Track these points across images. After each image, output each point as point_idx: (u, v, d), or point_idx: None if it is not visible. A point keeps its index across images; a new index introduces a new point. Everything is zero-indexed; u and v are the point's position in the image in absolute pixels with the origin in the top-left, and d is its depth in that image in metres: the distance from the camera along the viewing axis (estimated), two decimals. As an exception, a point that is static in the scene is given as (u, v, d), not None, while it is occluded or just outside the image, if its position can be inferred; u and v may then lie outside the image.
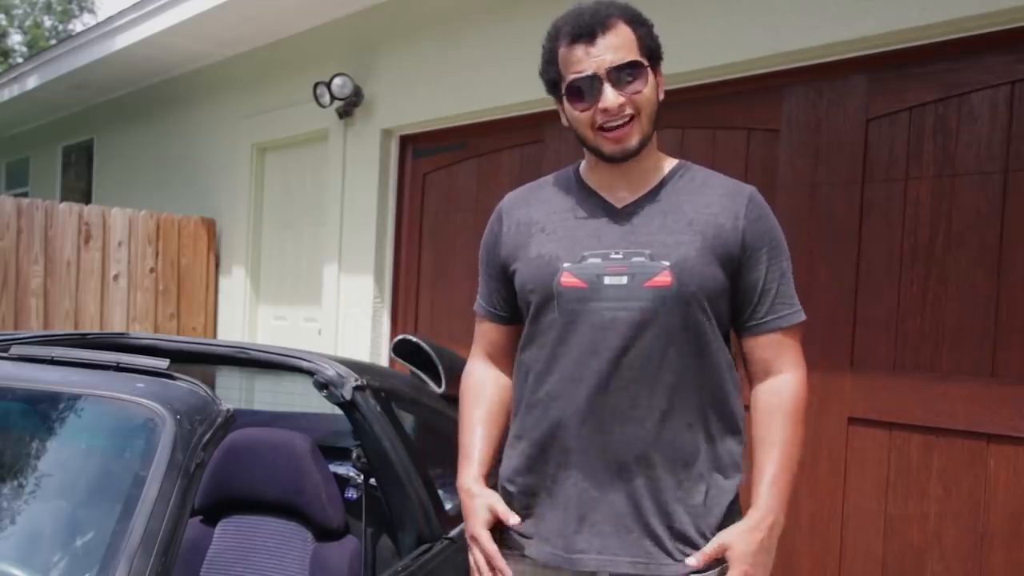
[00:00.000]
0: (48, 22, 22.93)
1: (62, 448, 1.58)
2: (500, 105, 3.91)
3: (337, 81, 4.53)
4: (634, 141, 1.42)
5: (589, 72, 1.40)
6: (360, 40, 4.69)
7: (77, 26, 22.13)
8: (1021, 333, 2.47)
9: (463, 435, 1.58)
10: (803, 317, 1.48)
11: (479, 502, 1.49)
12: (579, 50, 1.41)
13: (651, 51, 1.44)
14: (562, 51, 1.45)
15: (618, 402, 1.40)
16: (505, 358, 1.62)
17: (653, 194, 1.47)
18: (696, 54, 3.12)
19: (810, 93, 2.94)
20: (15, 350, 1.73)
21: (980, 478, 2.53)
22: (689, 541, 1.40)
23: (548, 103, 3.86)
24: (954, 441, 2.58)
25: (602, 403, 1.41)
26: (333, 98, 4.57)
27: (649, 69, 1.43)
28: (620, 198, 1.48)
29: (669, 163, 1.52)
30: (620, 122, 1.41)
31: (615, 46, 1.40)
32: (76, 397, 1.57)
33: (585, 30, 1.41)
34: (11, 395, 1.62)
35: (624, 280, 1.40)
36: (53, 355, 1.68)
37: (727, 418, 1.45)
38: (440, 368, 2.27)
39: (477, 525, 1.48)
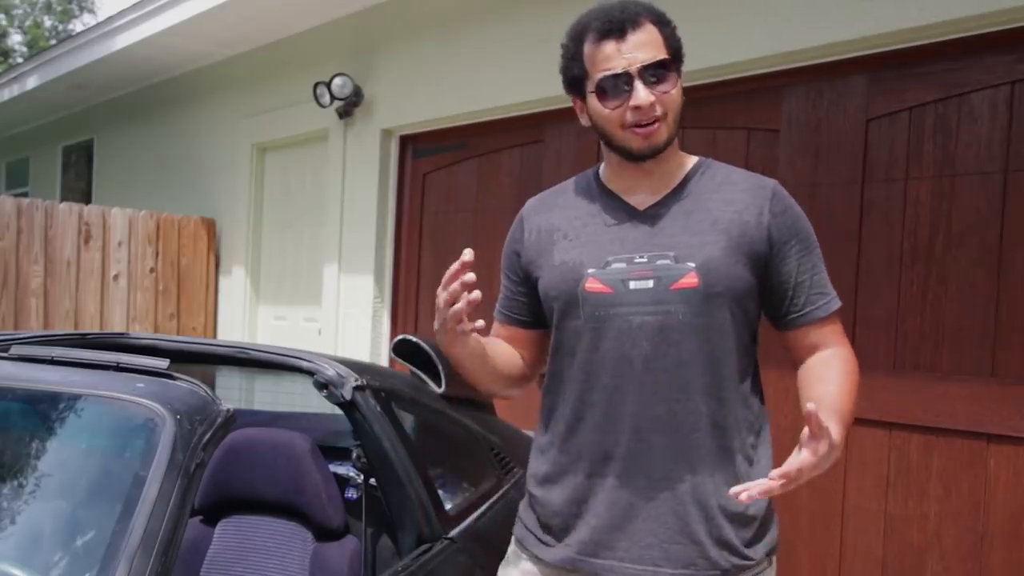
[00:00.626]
0: (48, 22, 22.93)
1: (62, 448, 1.58)
2: (500, 105, 3.91)
3: (337, 81, 4.53)
4: (662, 138, 1.41)
5: (620, 69, 1.38)
6: (360, 40, 4.69)
7: (77, 26, 22.14)
8: (1021, 333, 2.47)
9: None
10: (839, 304, 1.47)
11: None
12: (609, 47, 1.39)
13: (675, 52, 1.43)
14: (588, 47, 1.42)
15: (655, 408, 1.38)
16: (514, 346, 1.62)
17: (675, 195, 1.46)
18: (696, 54, 3.10)
19: (810, 93, 2.94)
20: (15, 350, 1.73)
21: (980, 478, 2.53)
22: (733, 549, 1.39)
23: (548, 103, 3.89)
24: (954, 441, 2.58)
25: (638, 410, 1.39)
26: (333, 98, 4.57)
27: (676, 70, 1.42)
28: (642, 200, 1.47)
29: (690, 162, 1.51)
30: (650, 121, 1.40)
31: (645, 44, 1.38)
32: (76, 397, 1.57)
33: (616, 26, 1.39)
34: (11, 395, 1.62)
35: (650, 284, 1.39)
36: (53, 355, 1.68)
37: (755, 420, 1.44)
38: (440, 368, 2.27)
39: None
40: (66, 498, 1.49)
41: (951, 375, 2.59)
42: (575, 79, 1.46)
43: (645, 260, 1.40)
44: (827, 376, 1.40)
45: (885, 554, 2.72)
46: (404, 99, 4.42)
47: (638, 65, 1.38)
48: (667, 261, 1.39)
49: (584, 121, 1.49)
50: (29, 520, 1.48)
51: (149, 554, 1.29)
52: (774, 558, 1.46)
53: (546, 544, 1.49)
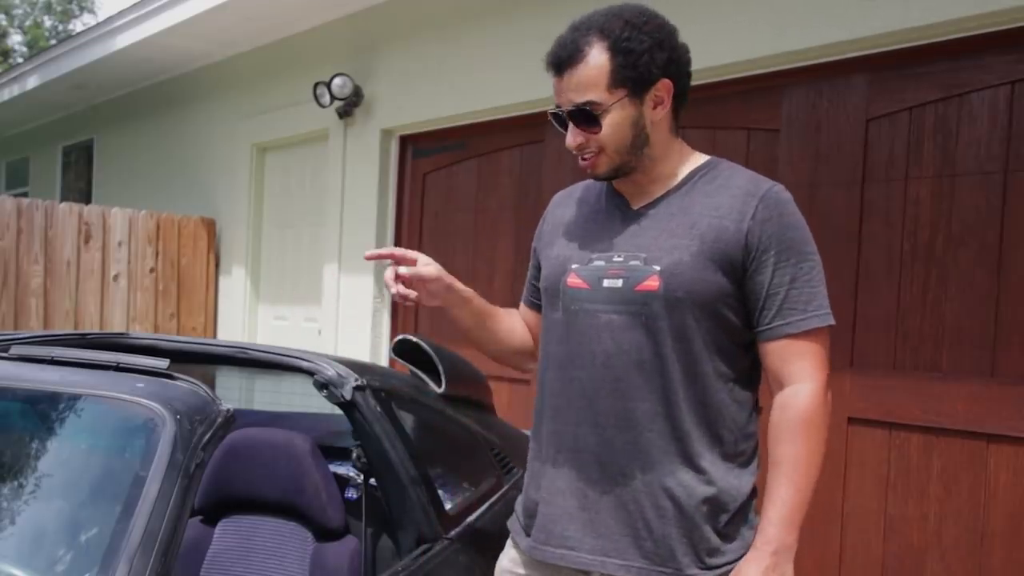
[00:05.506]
0: (48, 22, 22.93)
1: (62, 448, 1.58)
2: (500, 105, 3.91)
3: (337, 81, 4.53)
4: (601, 171, 1.46)
5: (557, 109, 1.44)
6: (360, 40, 4.69)
7: (77, 26, 22.13)
8: (1021, 333, 2.47)
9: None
10: (819, 323, 1.38)
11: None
12: (555, 82, 1.45)
13: (628, 80, 1.39)
14: None
15: (612, 404, 1.41)
16: (532, 331, 1.70)
17: (668, 197, 1.47)
18: (697, 54, 3.10)
19: (810, 93, 2.94)
20: (15, 350, 1.73)
21: (980, 478, 2.53)
22: (688, 550, 1.38)
23: (548, 103, 3.86)
24: (954, 441, 2.58)
25: (597, 404, 1.42)
26: (333, 98, 4.57)
27: (623, 99, 1.39)
28: (638, 201, 1.49)
29: (692, 164, 1.49)
30: (587, 155, 1.44)
31: (577, 84, 1.40)
32: (76, 397, 1.57)
33: (554, 61, 1.43)
34: (11, 395, 1.62)
35: (619, 283, 1.42)
36: (53, 355, 1.68)
37: (727, 427, 1.42)
38: (440, 368, 2.27)
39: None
40: (66, 498, 1.49)
41: (951, 375, 2.59)
42: None
43: (621, 259, 1.43)
44: (777, 460, 1.37)
45: (885, 554, 2.72)
46: (404, 99, 4.42)
47: (568, 107, 1.42)
48: (637, 262, 1.41)
49: None
50: (29, 520, 1.48)
51: (149, 554, 1.29)
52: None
53: (522, 531, 1.54)
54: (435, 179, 4.45)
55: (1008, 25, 2.50)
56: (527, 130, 3.91)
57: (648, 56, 1.40)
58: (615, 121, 1.41)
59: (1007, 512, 2.48)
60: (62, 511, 1.47)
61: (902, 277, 2.71)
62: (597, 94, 1.39)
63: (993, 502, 2.51)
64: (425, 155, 4.50)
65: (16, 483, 1.53)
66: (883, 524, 2.72)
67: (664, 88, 1.44)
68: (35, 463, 1.57)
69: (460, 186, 4.30)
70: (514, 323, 1.70)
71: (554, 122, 1.48)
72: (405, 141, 4.60)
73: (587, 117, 1.40)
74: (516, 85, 3.77)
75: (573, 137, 1.42)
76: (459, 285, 1.60)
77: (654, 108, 1.44)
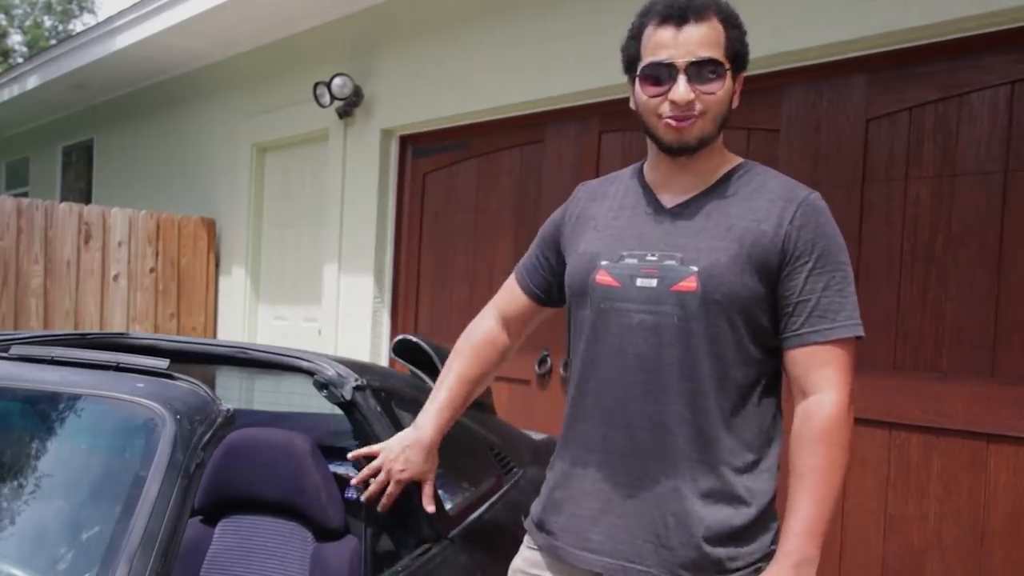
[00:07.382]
0: (48, 22, 22.93)
1: (62, 448, 1.58)
2: (500, 105, 3.91)
3: (337, 81, 4.53)
4: (693, 136, 1.39)
5: (667, 59, 1.36)
6: (360, 40, 4.69)
7: (77, 26, 22.13)
8: (1021, 333, 2.47)
9: (439, 381, 1.72)
10: (849, 333, 1.36)
11: (409, 436, 1.70)
12: (665, 33, 1.37)
13: (736, 56, 1.40)
14: (648, 29, 1.40)
15: (642, 406, 1.38)
16: (511, 321, 1.68)
17: (704, 196, 1.44)
18: (696, 54, 3.11)
19: (810, 93, 2.94)
20: (15, 350, 1.73)
21: (980, 478, 2.53)
22: (707, 557, 1.36)
23: (548, 103, 3.89)
24: (954, 441, 2.58)
25: (627, 406, 1.40)
26: (333, 98, 4.57)
27: (729, 72, 1.39)
28: (672, 198, 1.45)
29: (730, 164, 1.48)
30: (686, 115, 1.37)
31: (701, 39, 1.35)
32: (76, 397, 1.57)
33: (677, 12, 1.36)
34: (11, 395, 1.62)
35: (654, 283, 1.38)
36: (53, 355, 1.68)
37: (754, 436, 1.40)
38: (440, 368, 2.27)
39: (388, 443, 1.71)
40: (66, 498, 1.49)
41: (951, 375, 2.59)
42: (631, 59, 1.45)
43: (655, 258, 1.40)
44: (799, 471, 1.33)
45: (885, 554, 2.72)
46: (404, 99, 4.42)
47: (686, 59, 1.35)
48: (673, 262, 1.38)
49: (631, 104, 1.48)
50: (29, 520, 1.48)
51: (149, 554, 1.29)
52: (763, 567, 1.39)
53: (539, 529, 1.52)
54: (435, 179, 4.45)
55: (1008, 25, 2.50)
56: (527, 130, 3.91)
57: (746, 41, 1.42)
58: (726, 87, 1.39)
59: (1007, 512, 2.48)
60: (62, 511, 1.47)
61: (902, 277, 2.71)
62: (719, 54, 1.37)
63: (993, 502, 2.51)
64: (425, 155, 4.51)
65: (16, 483, 1.53)
66: (883, 524, 2.72)
67: (740, 80, 1.45)
68: (35, 463, 1.57)
69: (460, 186, 4.30)
70: (484, 357, 1.70)
71: (645, 75, 1.39)
72: (405, 141, 4.60)
73: (710, 74, 1.36)
74: (516, 85, 3.77)
75: (686, 92, 1.35)
76: (441, 431, 1.70)
77: (735, 94, 1.44)
